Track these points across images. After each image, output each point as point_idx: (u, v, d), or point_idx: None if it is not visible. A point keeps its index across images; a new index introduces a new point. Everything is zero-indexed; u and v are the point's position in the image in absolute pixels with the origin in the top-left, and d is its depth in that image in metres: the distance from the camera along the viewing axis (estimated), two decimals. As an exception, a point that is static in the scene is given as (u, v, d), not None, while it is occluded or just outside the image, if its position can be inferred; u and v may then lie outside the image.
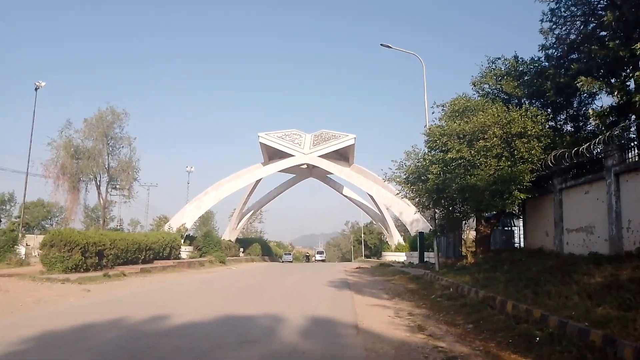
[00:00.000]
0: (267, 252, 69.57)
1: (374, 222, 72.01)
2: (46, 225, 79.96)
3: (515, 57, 19.04)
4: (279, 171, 52.15)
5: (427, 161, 17.46)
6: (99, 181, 33.00)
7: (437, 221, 20.46)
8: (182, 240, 41.66)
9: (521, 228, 29.17)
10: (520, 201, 16.05)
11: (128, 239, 26.18)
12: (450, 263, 23.55)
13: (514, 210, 19.94)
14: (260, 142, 49.75)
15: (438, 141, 17.14)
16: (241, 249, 56.77)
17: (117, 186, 33.63)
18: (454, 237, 26.43)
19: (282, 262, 63.92)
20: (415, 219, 43.16)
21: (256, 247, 61.75)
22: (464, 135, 16.62)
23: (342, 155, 53.69)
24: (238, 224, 59.55)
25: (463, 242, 25.31)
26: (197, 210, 45.56)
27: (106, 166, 33.13)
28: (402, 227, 61.67)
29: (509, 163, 15.49)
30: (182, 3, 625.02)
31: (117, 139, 33.91)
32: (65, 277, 17.56)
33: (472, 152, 16.00)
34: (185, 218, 43.80)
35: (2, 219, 65.22)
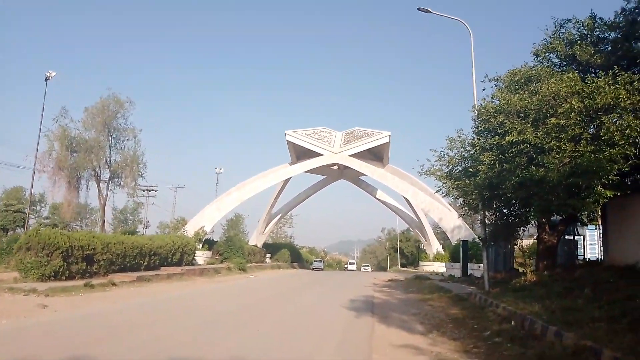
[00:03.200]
0: (297, 258, 66.10)
1: (411, 229, 67.50)
2: (76, 227, 79.28)
3: (592, 17, 14.75)
4: (307, 171, 48.63)
5: (478, 148, 13.43)
6: (99, 177, 30.21)
7: (486, 227, 16.22)
8: (200, 245, 38.81)
9: (587, 237, 24.49)
10: (605, 200, 11.82)
11: (126, 242, 23.10)
12: (501, 279, 19.24)
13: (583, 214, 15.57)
14: (287, 141, 46.45)
15: (492, 121, 13.07)
16: (268, 255, 53.57)
17: (121, 183, 30.78)
18: (505, 246, 22.09)
19: (313, 269, 60.57)
20: (457, 226, 38.69)
21: (285, 253, 58.35)
22: (527, 113, 12.52)
23: (376, 155, 49.67)
24: (265, 227, 56.37)
25: (519, 253, 20.88)
26: (217, 212, 42.55)
27: (108, 160, 30.37)
28: (441, 235, 57.17)
29: (591, 147, 11.31)
30: (222, 8, 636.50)
31: (121, 130, 31.04)
32: (33, 287, 14.55)
33: (540, 133, 11.91)
34: (204, 220, 40.87)
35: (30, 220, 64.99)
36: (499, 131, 13.13)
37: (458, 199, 16.02)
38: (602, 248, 15.99)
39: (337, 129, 49.61)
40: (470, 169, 13.74)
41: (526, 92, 12.66)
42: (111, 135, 30.78)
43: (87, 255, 18.88)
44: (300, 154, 48.86)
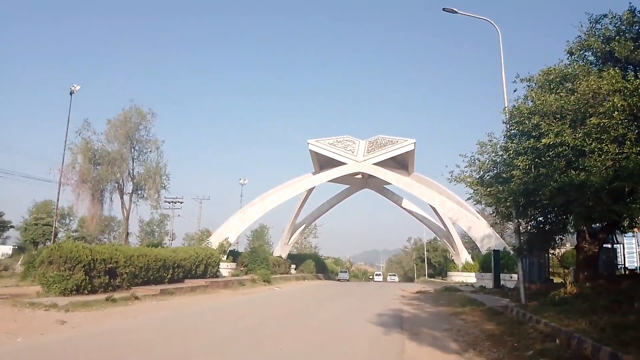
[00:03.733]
0: (322, 269, 65.35)
1: (438, 239, 66.02)
2: (104, 240, 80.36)
3: (631, 10, 13.84)
4: (331, 181, 48.00)
5: (511, 152, 12.61)
6: (123, 189, 30.17)
7: (521, 235, 15.26)
8: (225, 256, 38.50)
9: (625, 245, 23.19)
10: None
11: (149, 254, 22.87)
12: (536, 290, 18.22)
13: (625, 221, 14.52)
14: (310, 150, 45.97)
15: (527, 123, 12.28)
16: (293, 266, 53.03)
17: (144, 195, 30.72)
18: (540, 256, 21.00)
19: (338, 280, 59.82)
20: (486, 235, 37.42)
21: (309, 263, 57.74)
22: (564, 113, 11.71)
23: (401, 163, 48.75)
24: (290, 238, 55.87)
25: (555, 262, 19.80)
26: (241, 223, 42.21)
27: (130, 172, 30.36)
28: (469, 244, 55.69)
29: (637, 149, 10.43)
30: (240, 16, 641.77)
31: (143, 142, 30.91)
32: (54, 302, 14.35)
33: (579, 135, 11.07)
34: (228, 232, 40.57)
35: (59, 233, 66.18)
36: (533, 134, 12.33)
37: (490, 206, 15.15)
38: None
39: (360, 138, 49.06)
40: (504, 175, 12.93)
41: (562, 91, 11.85)
42: (134, 147, 30.81)
43: (109, 269, 18.70)
44: (324, 163, 48.34)
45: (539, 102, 11.95)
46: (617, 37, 13.62)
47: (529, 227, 15.34)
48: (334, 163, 46.69)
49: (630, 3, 13.88)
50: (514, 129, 13.36)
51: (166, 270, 23.71)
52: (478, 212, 42.19)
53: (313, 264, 58.27)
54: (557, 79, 12.83)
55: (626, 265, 20.82)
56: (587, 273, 13.94)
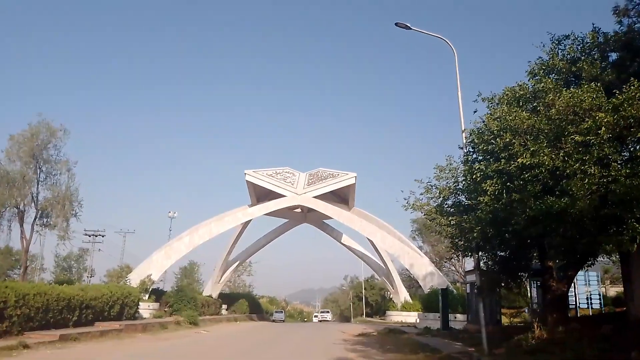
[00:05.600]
0: (256, 309, 61.66)
1: (377, 277, 64.57)
2: (14, 276, 72.04)
3: (595, 30, 13.02)
4: (269, 214, 45.43)
5: (477, 175, 10.97)
6: (23, 216, 25.93)
7: (481, 273, 13.54)
8: (147, 296, 34.58)
9: (577, 283, 22.31)
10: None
11: (50, 293, 19.23)
12: (491, 334, 16.57)
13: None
14: (247, 181, 43.37)
15: (496, 142, 10.74)
16: (224, 306, 49.24)
17: (50, 223, 26.63)
18: (489, 295, 19.54)
19: (273, 320, 56.51)
20: (429, 272, 36.20)
21: (242, 303, 54.03)
22: (539, 132, 10.27)
23: (341, 198, 47.24)
24: (222, 276, 52.07)
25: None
26: (166, 259, 38.29)
27: (34, 196, 26.25)
28: (406, 282, 54.62)
29: (625, 171, 9.06)
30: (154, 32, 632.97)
31: (52, 162, 26.96)
32: None
33: (559, 154, 9.60)
34: (152, 268, 36.58)
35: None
36: (502, 155, 10.80)
37: (453, 239, 13.37)
38: (626, 298, 13.59)
39: (300, 170, 47.24)
40: (469, 202, 11.25)
41: (539, 106, 10.46)
42: (40, 168, 26.75)
43: (-4, 310, 15.21)
44: (261, 195, 45.83)
45: (510, 118, 10.47)
46: (583, 58, 12.71)
47: (490, 264, 13.72)
48: (272, 195, 44.35)
49: (593, 24, 13.11)
50: (477, 150, 11.83)
51: (71, 311, 20.25)
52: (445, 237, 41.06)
53: (246, 304, 54.66)
54: (527, 96, 11.54)
55: (578, 305, 19.87)
56: (556, 315, 12.39)
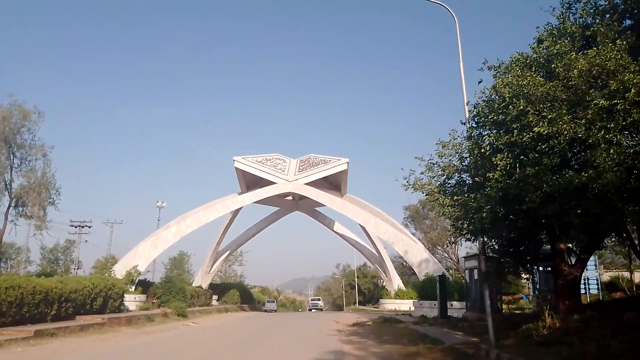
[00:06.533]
0: (248, 299, 60.66)
1: (370, 264, 63.82)
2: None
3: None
4: (259, 202, 44.19)
5: (488, 147, 9.87)
6: (-4, 204, 24.49)
7: (487, 258, 12.46)
8: (134, 287, 33.40)
9: (588, 267, 21.48)
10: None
11: (25, 286, 18.01)
12: (495, 322, 15.62)
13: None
14: (235, 168, 42.04)
15: (509, 109, 9.61)
16: (215, 297, 48.19)
17: (26, 212, 25.22)
18: (493, 282, 18.58)
19: (265, 310, 55.61)
20: (424, 259, 35.32)
21: (234, 294, 52.95)
22: (555, 98, 9.16)
23: (333, 184, 46.11)
24: (212, 266, 50.91)
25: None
26: (153, 249, 37.01)
27: (7, 184, 24.73)
28: (399, 270, 53.92)
29: (656, 140, 8.01)
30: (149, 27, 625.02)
31: (26, 147, 25.32)
32: None
33: (581, 122, 8.52)
34: (138, 259, 35.32)
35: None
36: (514, 125, 9.69)
37: (457, 220, 12.25)
38: None
39: (291, 157, 45.99)
40: (477, 179, 10.15)
41: (557, 68, 9.32)
42: (13, 154, 25.29)
43: (-39, 306, 14.04)
44: (251, 183, 44.56)
45: (524, 83, 9.34)
46: (597, 21, 11.59)
47: (497, 247, 12.68)
48: (262, 183, 43.11)
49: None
50: (485, 123, 10.71)
51: (49, 305, 19.11)
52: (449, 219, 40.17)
53: (238, 294, 53.61)
54: (540, 60, 10.42)
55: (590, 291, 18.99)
56: (569, 302, 11.42)
